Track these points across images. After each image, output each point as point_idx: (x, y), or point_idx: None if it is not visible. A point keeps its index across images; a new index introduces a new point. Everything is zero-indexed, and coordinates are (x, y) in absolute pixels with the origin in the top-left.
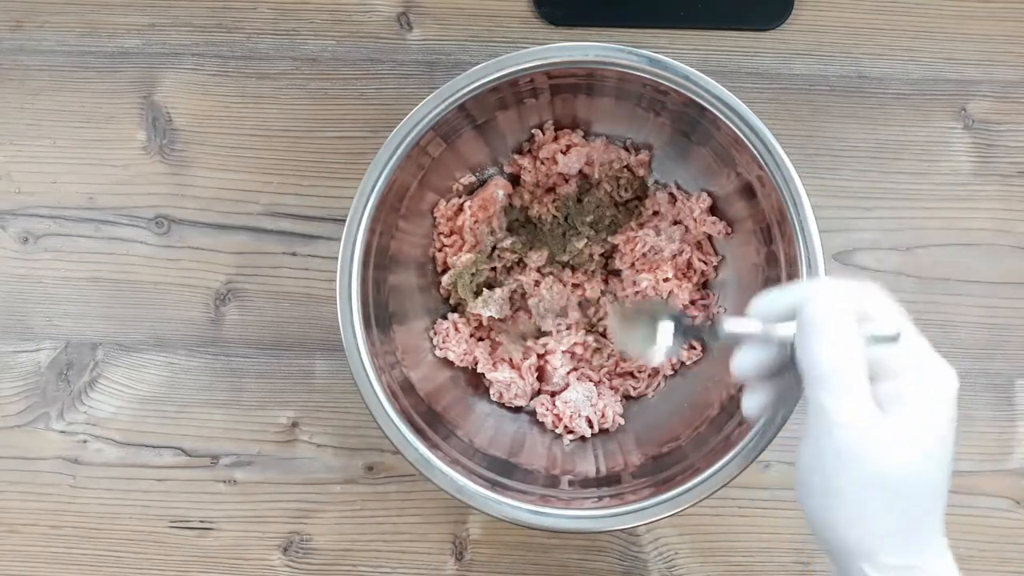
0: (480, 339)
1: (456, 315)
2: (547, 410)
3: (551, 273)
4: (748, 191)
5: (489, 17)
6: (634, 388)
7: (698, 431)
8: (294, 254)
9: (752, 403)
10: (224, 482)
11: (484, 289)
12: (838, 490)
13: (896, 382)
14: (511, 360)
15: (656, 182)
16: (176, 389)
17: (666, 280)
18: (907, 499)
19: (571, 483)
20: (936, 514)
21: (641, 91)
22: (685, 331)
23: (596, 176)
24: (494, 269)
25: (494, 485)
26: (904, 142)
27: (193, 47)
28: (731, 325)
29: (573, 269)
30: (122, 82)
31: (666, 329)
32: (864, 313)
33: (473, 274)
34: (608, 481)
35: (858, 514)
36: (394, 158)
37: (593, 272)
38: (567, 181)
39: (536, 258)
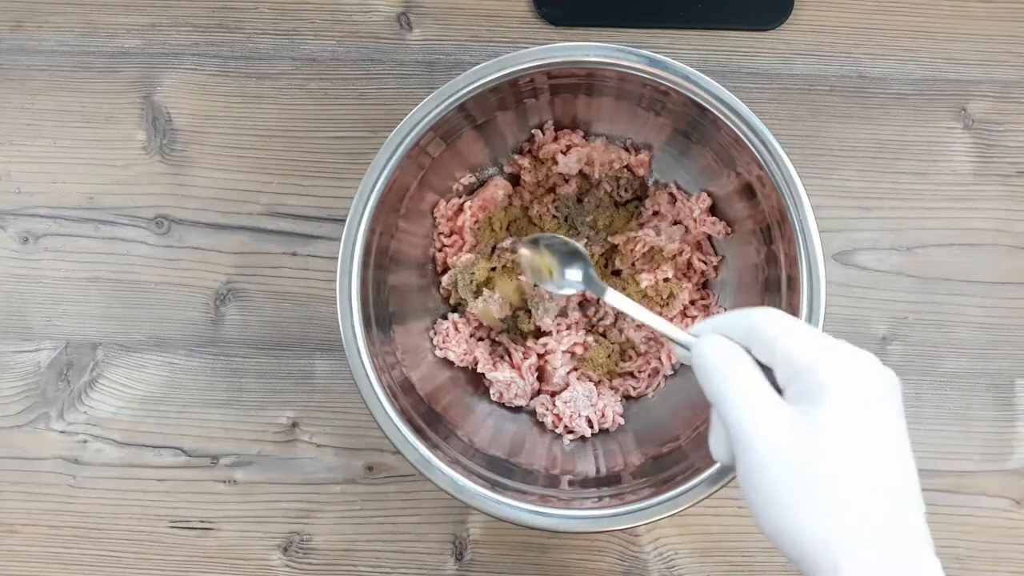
0: (480, 339)
1: (456, 315)
2: (547, 410)
3: None
4: (748, 191)
5: (489, 17)
6: (634, 388)
7: (698, 431)
8: (294, 254)
9: (714, 445)
10: (224, 482)
11: (484, 289)
12: (776, 495)
13: (806, 378)
14: (511, 359)
15: (656, 182)
16: (176, 389)
17: (666, 280)
18: (845, 485)
19: (571, 483)
20: (891, 501)
21: (641, 91)
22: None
23: (596, 176)
24: (494, 269)
25: (494, 485)
26: (904, 142)
27: (193, 47)
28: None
29: None
30: (122, 82)
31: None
32: (752, 336)
33: (473, 274)
34: (608, 481)
35: (801, 510)
36: (394, 158)
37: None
38: (567, 181)
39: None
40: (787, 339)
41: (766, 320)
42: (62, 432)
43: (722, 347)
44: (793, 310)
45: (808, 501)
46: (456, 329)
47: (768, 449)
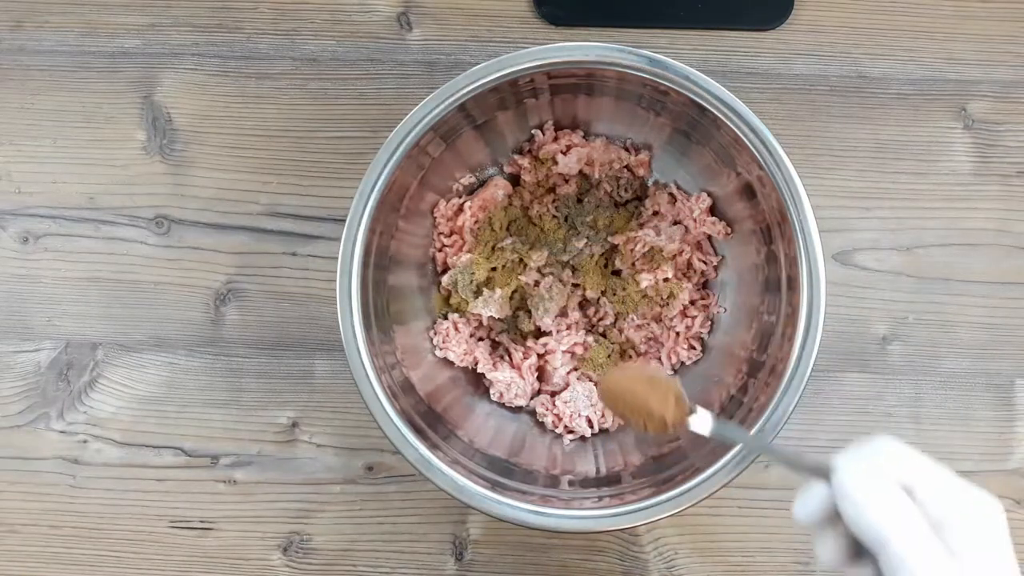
0: (480, 339)
1: (456, 315)
2: (547, 410)
3: (551, 273)
4: (748, 191)
5: (489, 17)
6: None
7: None
8: (294, 254)
9: (822, 552)
10: (224, 482)
11: (484, 289)
12: None
13: (947, 533)
14: (511, 359)
15: (656, 182)
16: (176, 389)
17: (666, 280)
18: None
19: (571, 483)
20: None
21: (641, 91)
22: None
23: (596, 176)
24: (494, 269)
25: (494, 485)
26: (904, 142)
27: (193, 47)
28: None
29: (573, 269)
30: (122, 82)
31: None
32: (898, 473)
33: (473, 274)
34: (608, 481)
35: None
36: (394, 158)
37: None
38: (567, 181)
39: (536, 258)
40: (929, 481)
41: (905, 454)
42: (62, 432)
43: (882, 488)
44: (793, 310)
45: None
46: (456, 329)
47: None
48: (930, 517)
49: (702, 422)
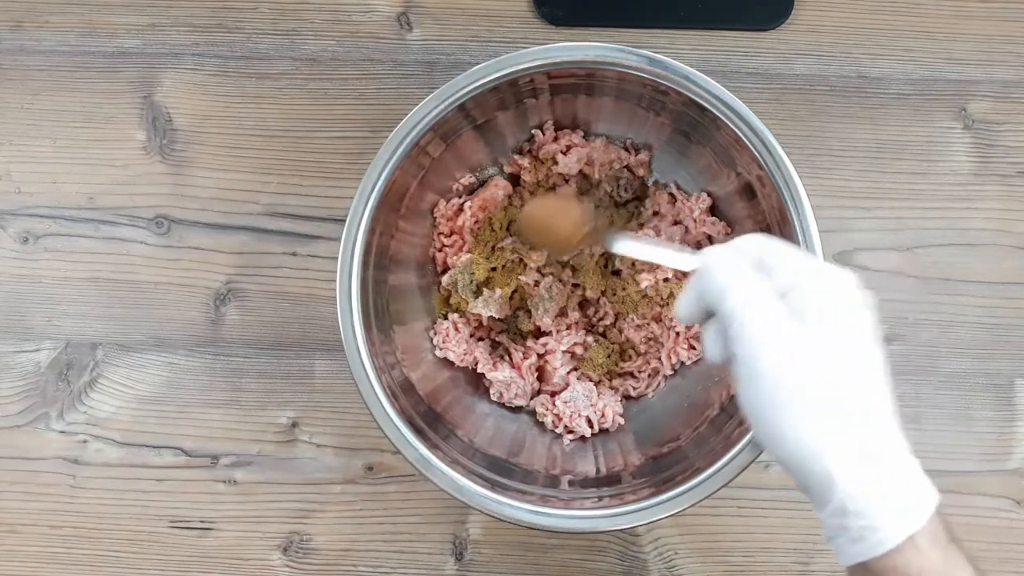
0: (480, 339)
1: (456, 315)
2: (547, 410)
3: (551, 273)
4: (748, 191)
5: (489, 17)
6: (634, 388)
7: (698, 431)
8: (294, 254)
9: (707, 344)
10: (224, 482)
11: (484, 289)
12: (774, 399)
13: (797, 294)
14: (511, 359)
15: (656, 182)
16: (176, 389)
17: (666, 280)
18: (836, 391)
19: (571, 483)
20: (877, 405)
21: (641, 91)
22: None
23: (596, 176)
24: (494, 269)
25: (494, 485)
26: (904, 142)
27: (193, 47)
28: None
29: (573, 269)
30: (122, 82)
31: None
32: (757, 255)
33: (473, 274)
34: (608, 481)
35: (798, 415)
36: (394, 158)
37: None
38: (567, 181)
39: (536, 258)
40: (781, 257)
41: (765, 240)
42: (62, 432)
43: (731, 257)
44: None
45: (805, 412)
46: (456, 329)
47: (772, 360)
48: (779, 285)
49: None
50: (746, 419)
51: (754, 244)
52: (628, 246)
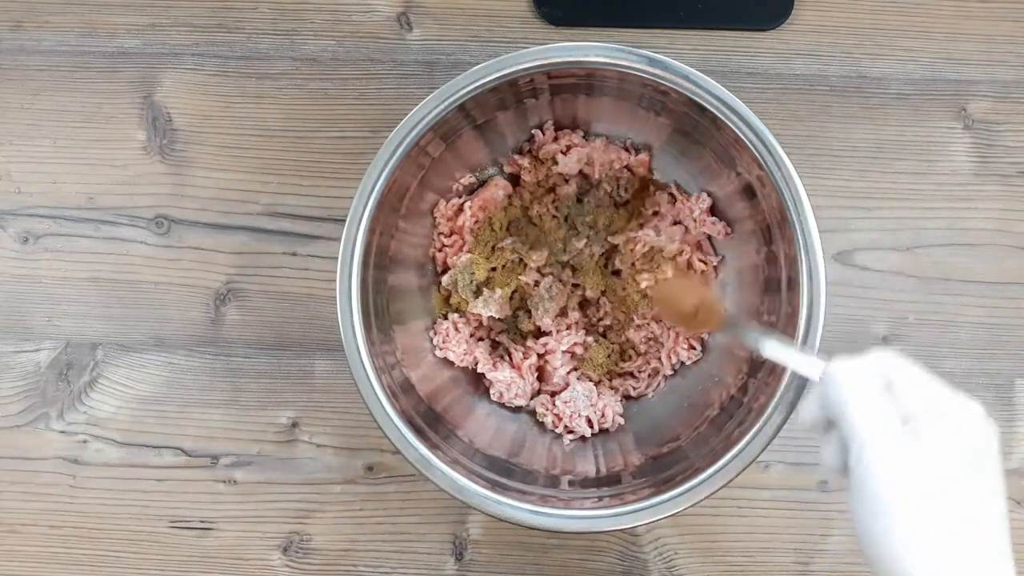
0: (480, 339)
1: (456, 315)
2: (547, 410)
3: (551, 273)
4: (748, 191)
5: (489, 17)
6: (634, 388)
7: (698, 431)
8: (294, 254)
9: (825, 453)
10: (224, 482)
11: (484, 289)
12: (885, 528)
13: (916, 424)
14: (511, 359)
15: (656, 182)
16: (176, 389)
17: (666, 280)
18: (942, 529)
19: (571, 483)
20: (987, 544)
21: (641, 91)
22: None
23: (596, 176)
24: (494, 269)
25: (494, 485)
26: (904, 142)
27: (193, 47)
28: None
29: (573, 269)
30: (122, 82)
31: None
32: (887, 379)
33: (473, 274)
34: (608, 481)
35: (908, 551)
36: (394, 158)
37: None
38: (567, 181)
39: (536, 258)
40: (910, 379)
41: (896, 359)
42: (62, 432)
43: (860, 373)
44: (793, 310)
45: (907, 541)
46: (456, 329)
47: (883, 480)
48: (904, 409)
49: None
50: (853, 535)
51: (884, 362)
52: (772, 347)
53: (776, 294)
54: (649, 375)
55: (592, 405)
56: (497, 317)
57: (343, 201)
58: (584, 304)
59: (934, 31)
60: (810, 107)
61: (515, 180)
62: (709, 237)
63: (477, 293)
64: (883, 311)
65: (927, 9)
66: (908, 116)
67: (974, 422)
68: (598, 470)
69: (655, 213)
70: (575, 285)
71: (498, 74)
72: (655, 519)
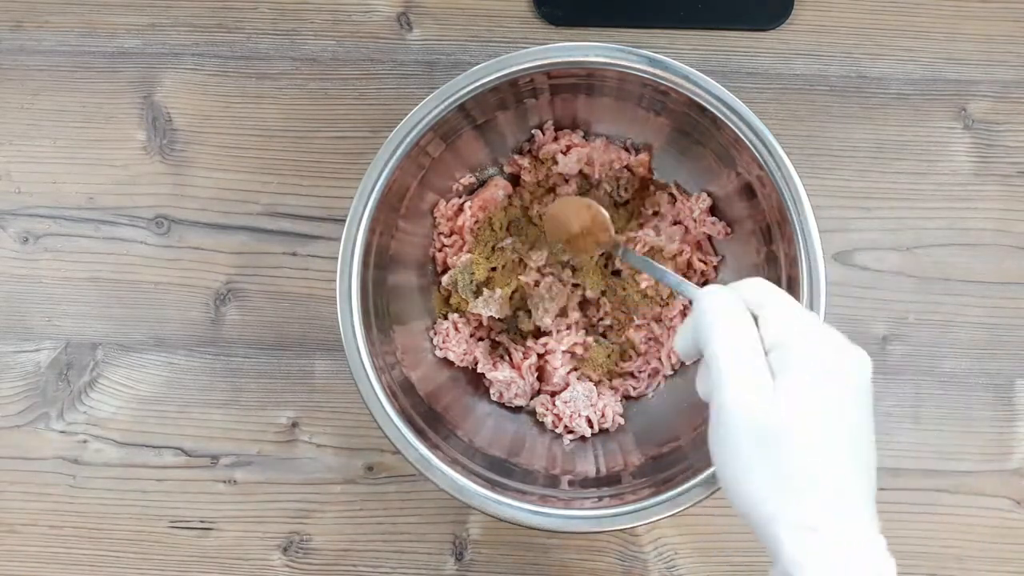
0: (480, 339)
1: (456, 315)
2: (547, 410)
3: (551, 273)
4: (748, 191)
5: (489, 17)
6: (634, 388)
7: (698, 431)
8: (294, 254)
9: (697, 381)
10: (224, 482)
11: (484, 289)
12: (735, 452)
13: (783, 351)
14: (511, 359)
15: (656, 182)
16: (176, 389)
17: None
18: (791, 456)
19: (571, 483)
20: (831, 477)
21: (641, 91)
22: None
23: (596, 176)
24: (494, 269)
25: (494, 485)
26: (904, 142)
27: (193, 47)
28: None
29: (573, 269)
30: (122, 82)
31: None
32: (755, 303)
33: (473, 274)
34: (608, 481)
35: (754, 474)
36: (394, 158)
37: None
38: (567, 181)
39: (536, 258)
40: (777, 309)
41: (767, 289)
42: (62, 432)
43: (726, 300)
44: None
45: (760, 472)
46: (456, 329)
47: (738, 412)
48: (769, 338)
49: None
50: (715, 472)
51: (755, 291)
52: (636, 259)
53: None
54: (649, 375)
55: (592, 405)
56: (497, 317)
57: (343, 201)
58: (584, 304)
59: (934, 31)
60: (810, 107)
61: (515, 180)
62: (709, 237)
63: (477, 293)
64: (883, 311)
65: (927, 9)
66: (908, 116)
67: (843, 355)
68: (598, 470)
69: (655, 213)
70: (575, 285)
71: (498, 74)
72: (655, 519)
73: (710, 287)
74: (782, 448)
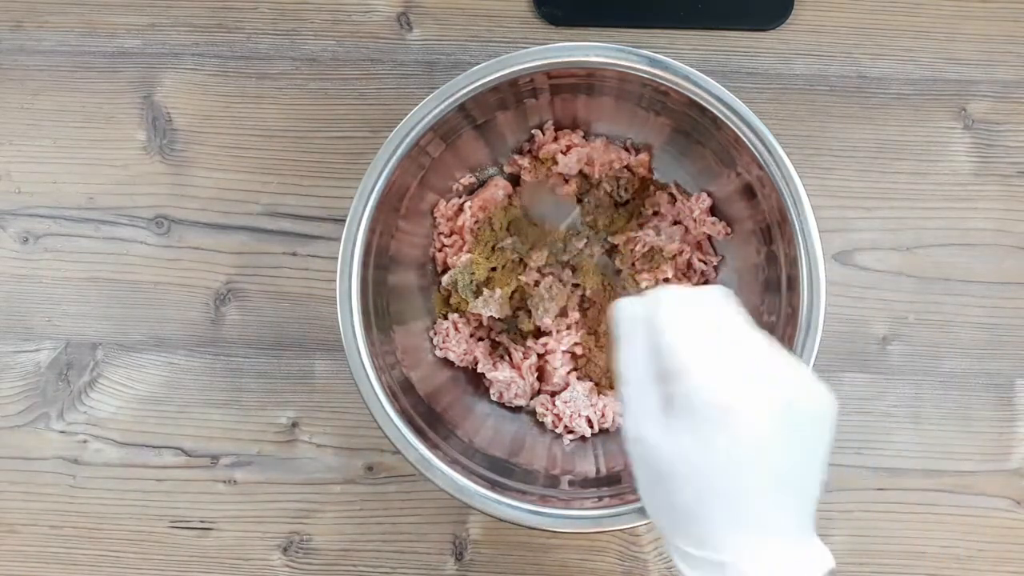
0: (480, 339)
1: (456, 315)
2: (547, 410)
3: (551, 273)
4: (748, 191)
5: (489, 17)
6: None
7: None
8: (294, 254)
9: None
10: (224, 482)
11: (484, 289)
12: (637, 471)
13: (678, 383)
14: (511, 359)
15: (656, 182)
16: (176, 389)
17: (666, 280)
18: (672, 490)
19: (571, 483)
20: (726, 511)
21: (641, 91)
22: None
23: (596, 176)
24: (494, 269)
25: (494, 485)
26: (904, 142)
27: (193, 47)
28: None
29: (573, 269)
30: (122, 82)
31: None
32: (711, 320)
33: (473, 274)
34: (608, 481)
35: (649, 496)
36: (394, 158)
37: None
38: (567, 181)
39: (536, 258)
40: (670, 337)
41: (664, 306)
42: (62, 432)
43: (631, 316)
44: (793, 310)
45: (652, 495)
46: (456, 329)
47: (633, 441)
48: (668, 364)
49: None
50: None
51: (717, 302)
52: None
53: (776, 294)
54: None
55: (592, 405)
56: (497, 317)
57: (343, 201)
58: (584, 304)
59: (934, 31)
60: (810, 107)
61: (515, 180)
62: (709, 237)
63: (477, 293)
64: (883, 311)
65: (927, 9)
66: (908, 116)
67: (744, 387)
68: (598, 470)
69: (655, 213)
70: (575, 285)
71: (498, 74)
72: None
73: (622, 300)
74: (665, 482)
